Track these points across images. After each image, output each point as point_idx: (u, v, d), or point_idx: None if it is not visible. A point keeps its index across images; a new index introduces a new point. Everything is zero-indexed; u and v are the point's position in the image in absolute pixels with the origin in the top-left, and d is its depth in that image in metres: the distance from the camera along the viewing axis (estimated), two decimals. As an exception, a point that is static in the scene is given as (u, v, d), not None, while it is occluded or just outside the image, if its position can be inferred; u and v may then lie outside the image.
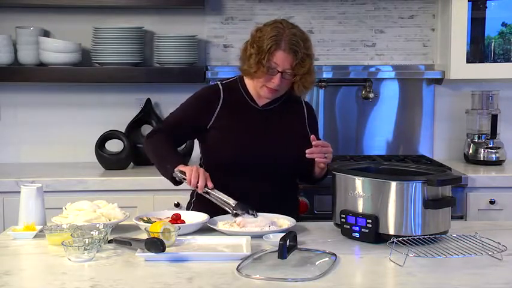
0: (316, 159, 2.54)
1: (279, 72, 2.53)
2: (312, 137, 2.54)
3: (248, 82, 2.67)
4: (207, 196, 2.45)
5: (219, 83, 2.71)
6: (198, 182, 2.42)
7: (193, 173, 2.43)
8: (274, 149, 2.60)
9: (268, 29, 2.57)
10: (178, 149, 2.83)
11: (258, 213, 2.39)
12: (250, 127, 2.64)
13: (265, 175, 2.59)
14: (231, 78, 2.74)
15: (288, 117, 2.69)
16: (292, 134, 2.67)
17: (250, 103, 2.66)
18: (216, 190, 2.44)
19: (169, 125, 2.70)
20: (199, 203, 2.65)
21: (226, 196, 2.42)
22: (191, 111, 2.68)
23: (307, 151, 2.51)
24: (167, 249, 2.02)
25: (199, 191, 2.44)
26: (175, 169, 2.49)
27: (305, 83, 2.59)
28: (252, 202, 2.42)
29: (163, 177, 3.38)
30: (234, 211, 2.38)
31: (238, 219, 2.36)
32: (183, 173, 2.46)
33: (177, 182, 2.53)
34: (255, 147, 2.60)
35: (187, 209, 2.71)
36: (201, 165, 2.68)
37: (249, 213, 2.37)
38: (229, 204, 2.41)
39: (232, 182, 2.52)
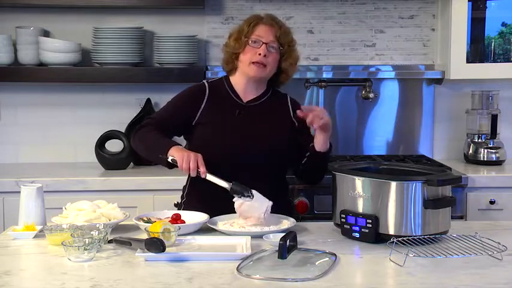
0: (315, 124, 2.51)
1: (263, 43, 2.61)
2: (298, 111, 2.54)
3: (234, 79, 2.73)
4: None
5: (204, 81, 2.78)
6: (190, 168, 2.42)
7: (184, 159, 2.43)
8: (260, 143, 2.63)
9: (246, 18, 2.74)
10: None
11: (255, 193, 2.37)
12: (235, 122, 2.66)
13: (253, 171, 2.58)
14: (217, 78, 2.83)
15: (273, 111, 2.73)
16: (277, 126, 2.70)
17: (234, 99, 2.71)
18: (209, 175, 2.44)
19: (156, 121, 2.71)
20: (189, 203, 2.68)
21: (219, 180, 2.42)
22: (177, 108, 2.73)
23: (308, 120, 2.50)
24: (167, 249, 2.02)
25: (192, 175, 2.45)
26: (168, 155, 2.49)
27: (292, 55, 2.69)
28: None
29: (163, 177, 3.40)
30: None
31: (236, 204, 2.36)
32: (175, 161, 2.47)
33: (173, 166, 2.53)
34: (240, 142, 2.62)
35: (178, 209, 2.71)
36: None
37: (244, 196, 2.37)
38: (224, 188, 2.41)
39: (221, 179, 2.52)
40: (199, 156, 2.46)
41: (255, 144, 2.63)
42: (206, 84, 2.74)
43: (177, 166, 2.48)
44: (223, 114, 2.67)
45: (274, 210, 2.42)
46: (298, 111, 2.56)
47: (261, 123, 2.68)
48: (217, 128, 2.65)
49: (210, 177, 2.43)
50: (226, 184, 2.40)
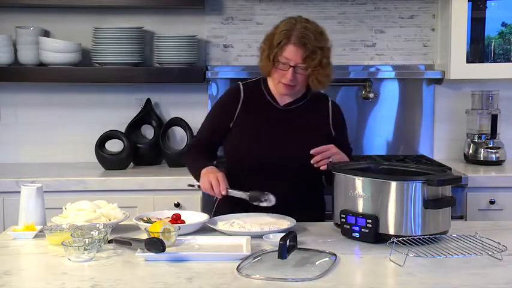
0: (321, 168, 2.52)
1: (291, 66, 2.55)
2: (313, 151, 2.54)
3: (270, 81, 2.69)
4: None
5: (240, 83, 2.75)
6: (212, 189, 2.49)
7: (206, 185, 2.50)
8: (293, 148, 2.61)
9: (281, 24, 2.61)
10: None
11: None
12: (269, 126, 2.65)
13: (285, 174, 2.60)
14: (254, 78, 2.77)
15: (310, 116, 2.69)
16: (313, 133, 2.66)
17: (271, 102, 2.68)
18: (230, 190, 2.49)
19: (198, 140, 2.77)
20: (223, 205, 2.67)
21: (240, 193, 2.48)
22: (215, 117, 2.75)
23: (312, 161, 2.52)
24: (167, 249, 2.02)
25: (217, 196, 2.52)
26: (199, 179, 2.57)
27: (318, 77, 2.59)
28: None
29: (163, 177, 3.41)
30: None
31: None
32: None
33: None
34: (274, 146, 2.62)
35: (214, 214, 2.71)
36: (222, 164, 2.75)
37: (262, 202, 2.45)
38: (245, 199, 2.48)
39: (254, 182, 2.55)
40: (219, 174, 2.50)
41: (289, 149, 2.60)
42: (241, 87, 2.71)
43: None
44: (259, 118, 2.66)
45: (307, 209, 2.54)
46: (312, 152, 2.53)
47: (297, 127, 2.65)
48: (252, 131, 2.65)
49: (231, 192, 2.49)
50: (244, 196, 2.47)
